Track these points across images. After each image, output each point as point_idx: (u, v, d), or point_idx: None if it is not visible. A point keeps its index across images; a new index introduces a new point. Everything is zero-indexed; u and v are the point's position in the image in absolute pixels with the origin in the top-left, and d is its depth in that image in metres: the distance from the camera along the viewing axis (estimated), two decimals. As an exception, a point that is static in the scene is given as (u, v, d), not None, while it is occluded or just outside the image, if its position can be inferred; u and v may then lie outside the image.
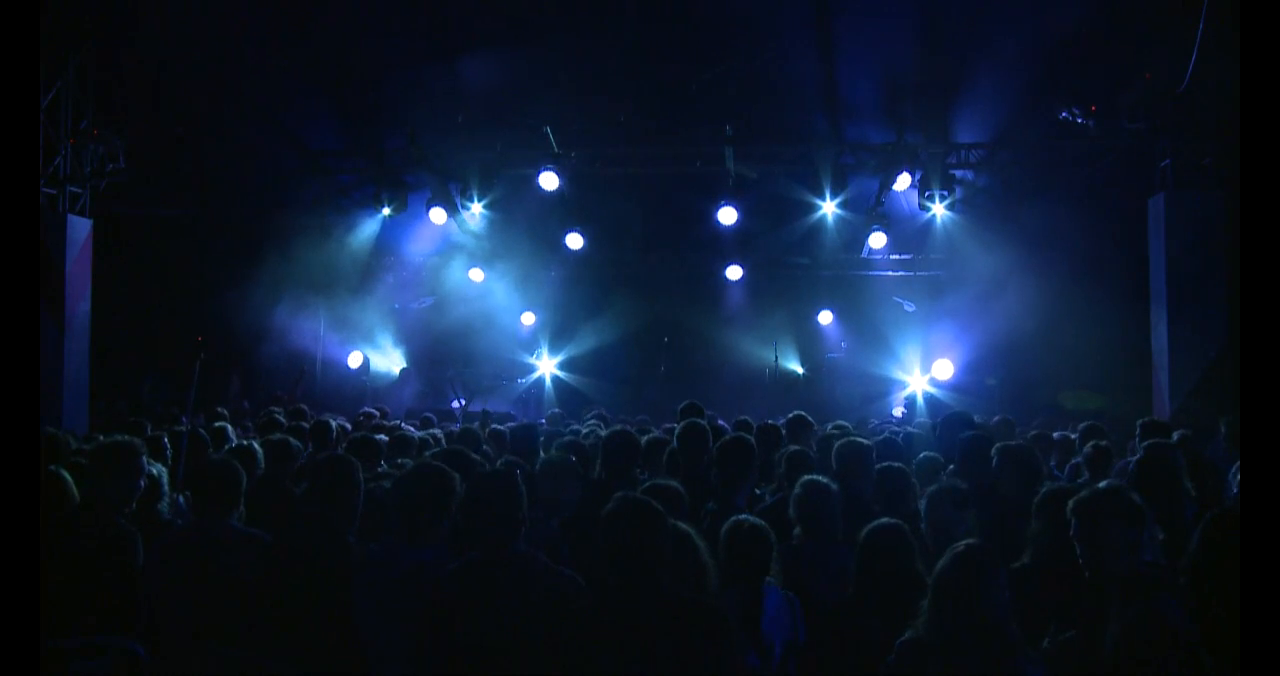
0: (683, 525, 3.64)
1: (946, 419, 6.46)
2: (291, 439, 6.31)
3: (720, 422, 8.33)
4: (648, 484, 4.39)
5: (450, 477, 3.82)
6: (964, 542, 3.36)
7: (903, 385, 15.62)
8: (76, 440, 6.71)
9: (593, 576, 3.45)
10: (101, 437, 5.85)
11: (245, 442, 6.32)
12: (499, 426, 8.92)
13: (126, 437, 4.79)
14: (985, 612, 3.15)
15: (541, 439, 6.98)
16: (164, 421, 8.95)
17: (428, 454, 5.67)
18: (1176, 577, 3.51)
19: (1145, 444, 5.43)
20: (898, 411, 14.67)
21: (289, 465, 5.89)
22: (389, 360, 16.69)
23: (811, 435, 6.81)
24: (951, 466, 5.61)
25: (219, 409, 10.75)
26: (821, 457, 5.68)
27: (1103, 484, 3.81)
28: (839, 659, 3.77)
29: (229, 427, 7.66)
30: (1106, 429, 7.33)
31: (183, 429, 6.81)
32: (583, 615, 3.20)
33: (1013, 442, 5.36)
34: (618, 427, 6.02)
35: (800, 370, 16.52)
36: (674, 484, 4.41)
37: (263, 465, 5.75)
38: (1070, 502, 3.56)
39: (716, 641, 3.11)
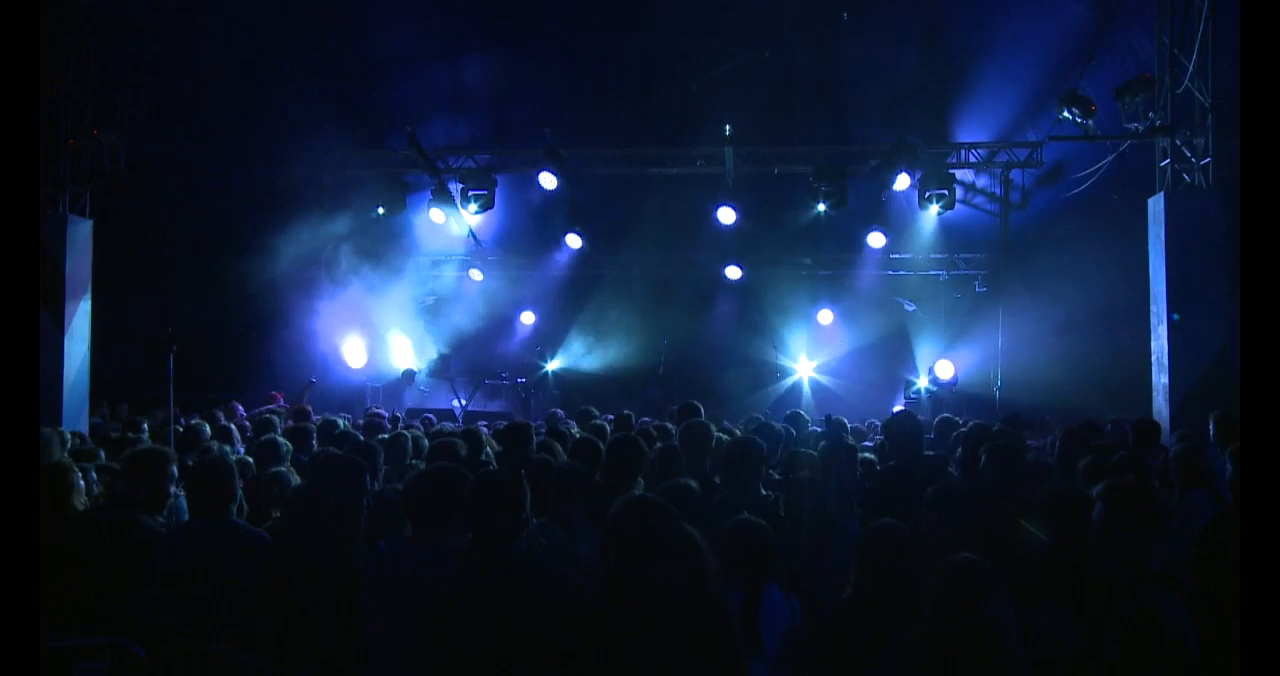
0: (685, 525, 3.64)
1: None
2: (279, 438, 6.41)
3: (726, 424, 8.38)
4: (665, 484, 4.39)
5: (459, 477, 3.81)
6: (962, 556, 3.35)
7: (903, 385, 15.63)
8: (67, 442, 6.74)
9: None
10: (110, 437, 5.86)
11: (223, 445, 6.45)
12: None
13: (160, 447, 4.99)
14: (985, 625, 3.15)
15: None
16: (161, 421, 8.96)
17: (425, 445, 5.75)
18: (1183, 579, 3.53)
19: (1176, 449, 5.44)
20: (897, 409, 14.68)
21: (280, 466, 5.93)
22: (390, 360, 16.68)
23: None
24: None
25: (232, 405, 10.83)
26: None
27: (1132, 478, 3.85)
28: (838, 659, 3.77)
29: (206, 426, 7.70)
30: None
31: (178, 428, 6.86)
32: (585, 616, 3.19)
33: (1000, 442, 5.35)
34: (621, 434, 6.01)
35: (811, 372, 16.60)
36: (691, 483, 4.41)
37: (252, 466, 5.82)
38: (1101, 488, 3.58)
39: (721, 642, 3.11)
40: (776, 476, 5.59)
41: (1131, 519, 3.55)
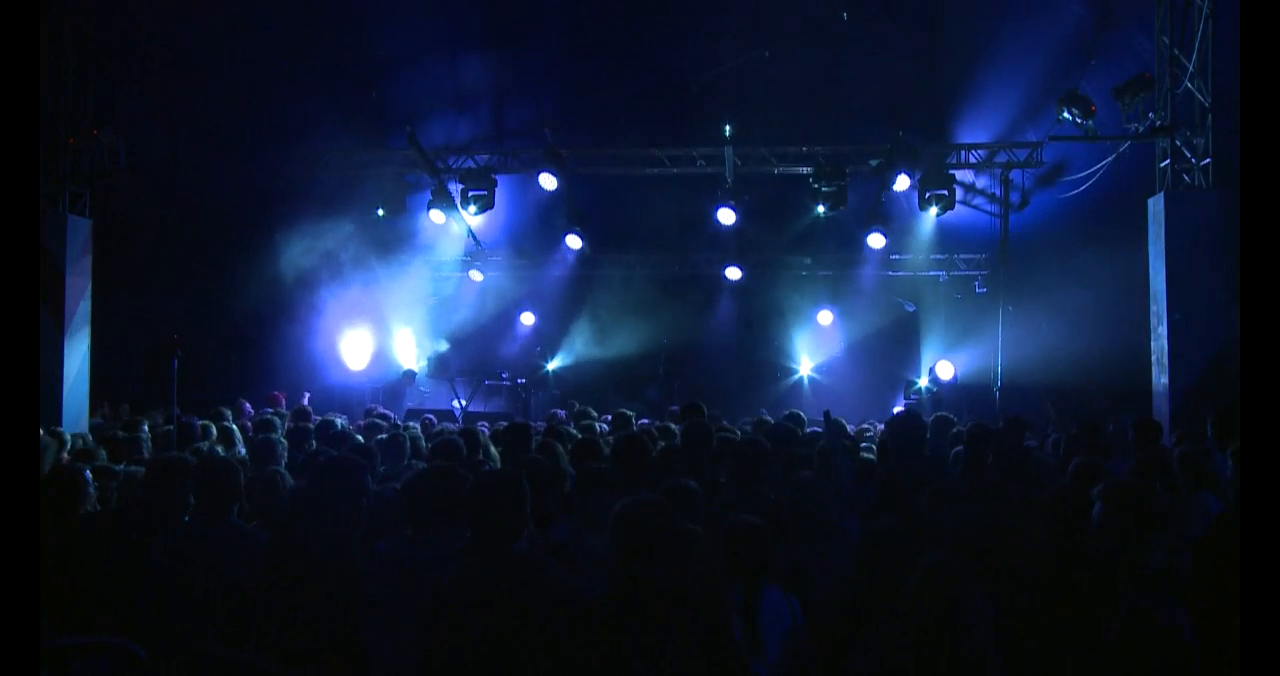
0: (687, 525, 3.64)
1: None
2: (273, 436, 6.46)
3: (726, 424, 8.39)
4: (667, 484, 4.40)
5: (459, 476, 3.82)
6: (937, 557, 3.35)
7: (904, 385, 15.64)
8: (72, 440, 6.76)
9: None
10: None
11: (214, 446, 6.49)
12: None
13: (181, 455, 5.01)
14: (961, 625, 3.15)
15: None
16: (162, 422, 8.96)
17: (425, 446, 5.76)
18: (1183, 577, 3.53)
19: (1179, 449, 5.45)
20: (897, 409, 14.68)
21: (275, 465, 5.94)
22: (391, 360, 16.67)
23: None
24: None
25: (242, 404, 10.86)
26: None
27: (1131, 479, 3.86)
28: (836, 659, 3.76)
29: (210, 426, 7.73)
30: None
31: (170, 428, 6.89)
32: (585, 615, 3.20)
33: (1008, 442, 5.39)
34: (626, 433, 6.02)
35: (812, 372, 16.61)
36: (692, 484, 4.42)
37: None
38: (1101, 488, 3.59)
39: (721, 642, 3.11)
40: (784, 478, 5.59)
41: (1131, 519, 3.55)
